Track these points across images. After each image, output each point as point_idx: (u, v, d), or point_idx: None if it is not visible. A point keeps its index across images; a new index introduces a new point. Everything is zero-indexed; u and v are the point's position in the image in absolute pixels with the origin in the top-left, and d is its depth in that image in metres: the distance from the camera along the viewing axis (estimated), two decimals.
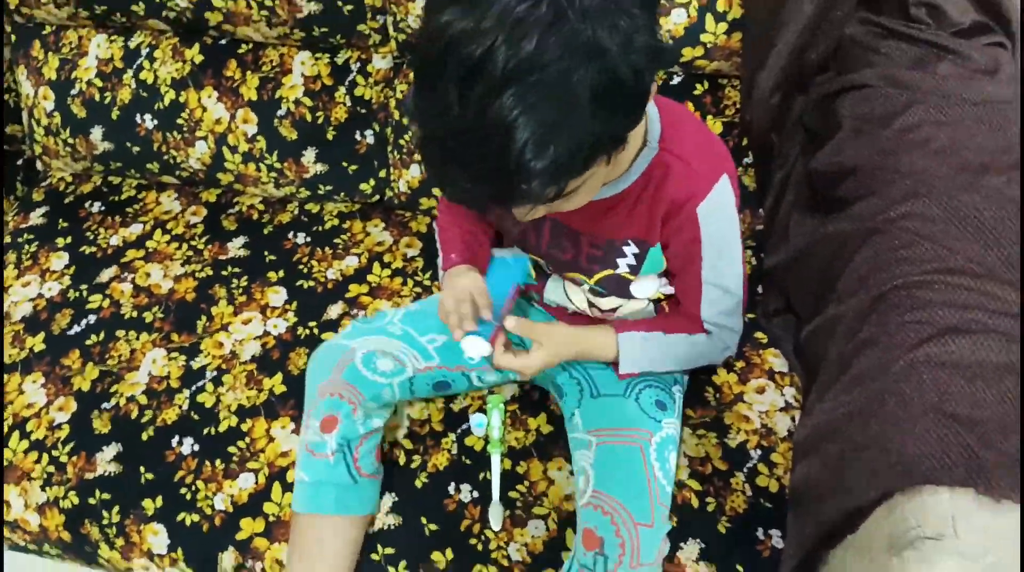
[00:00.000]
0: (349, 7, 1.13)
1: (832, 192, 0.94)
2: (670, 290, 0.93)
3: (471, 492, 0.96)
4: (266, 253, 1.22)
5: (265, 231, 1.26)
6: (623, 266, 0.88)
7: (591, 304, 0.96)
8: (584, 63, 0.59)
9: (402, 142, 1.21)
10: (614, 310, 0.96)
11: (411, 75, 1.17)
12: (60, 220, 1.30)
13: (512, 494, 0.96)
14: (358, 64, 1.20)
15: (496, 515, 0.94)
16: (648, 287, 0.91)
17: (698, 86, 1.13)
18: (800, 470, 0.88)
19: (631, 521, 0.83)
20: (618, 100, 0.62)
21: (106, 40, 1.26)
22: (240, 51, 1.23)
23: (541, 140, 0.60)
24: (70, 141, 1.30)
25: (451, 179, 0.66)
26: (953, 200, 0.80)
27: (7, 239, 1.28)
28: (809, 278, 0.96)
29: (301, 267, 1.20)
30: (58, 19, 1.26)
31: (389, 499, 0.96)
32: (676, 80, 1.13)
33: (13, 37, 1.30)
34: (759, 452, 0.97)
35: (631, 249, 0.87)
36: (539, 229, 0.90)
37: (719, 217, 0.83)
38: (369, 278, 1.18)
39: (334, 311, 1.14)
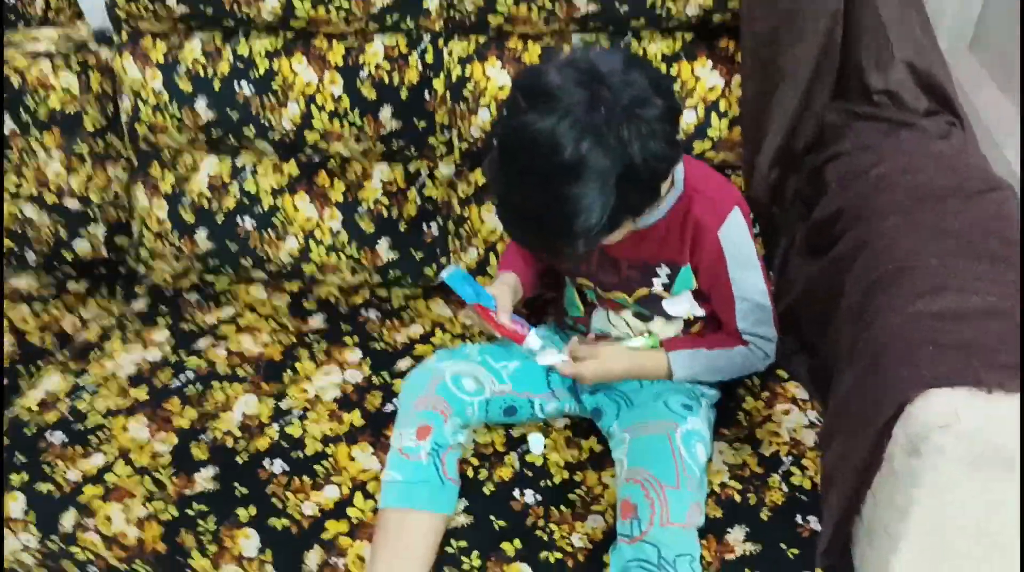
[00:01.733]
0: (423, 123, 1.41)
1: (826, 235, 1.14)
2: (701, 312, 1.11)
3: (535, 496, 1.07)
4: (342, 324, 1.40)
5: (341, 309, 1.45)
6: (657, 285, 1.07)
7: (631, 328, 1.13)
8: (616, 160, 0.83)
9: (462, 231, 1.43)
10: (650, 333, 1.13)
11: (485, 162, 1.43)
12: (161, 305, 1.49)
13: (571, 496, 1.07)
14: (427, 170, 1.46)
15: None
16: (680, 306, 1.09)
17: None
18: (827, 452, 1.00)
19: (658, 484, 0.95)
20: (636, 184, 0.86)
21: (216, 161, 1.53)
22: (330, 165, 1.49)
23: (586, 215, 0.83)
24: (176, 242, 1.53)
25: (518, 236, 0.93)
26: (923, 215, 1.00)
27: (112, 321, 1.46)
28: (815, 308, 1.13)
29: (374, 333, 1.38)
30: (178, 144, 1.54)
31: (461, 504, 1.07)
32: None
33: (135, 161, 1.57)
34: (791, 458, 1.09)
35: (664, 270, 1.06)
36: (588, 258, 1.10)
37: (737, 239, 1.03)
38: (433, 340, 1.35)
39: (404, 365, 1.30)
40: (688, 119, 1.30)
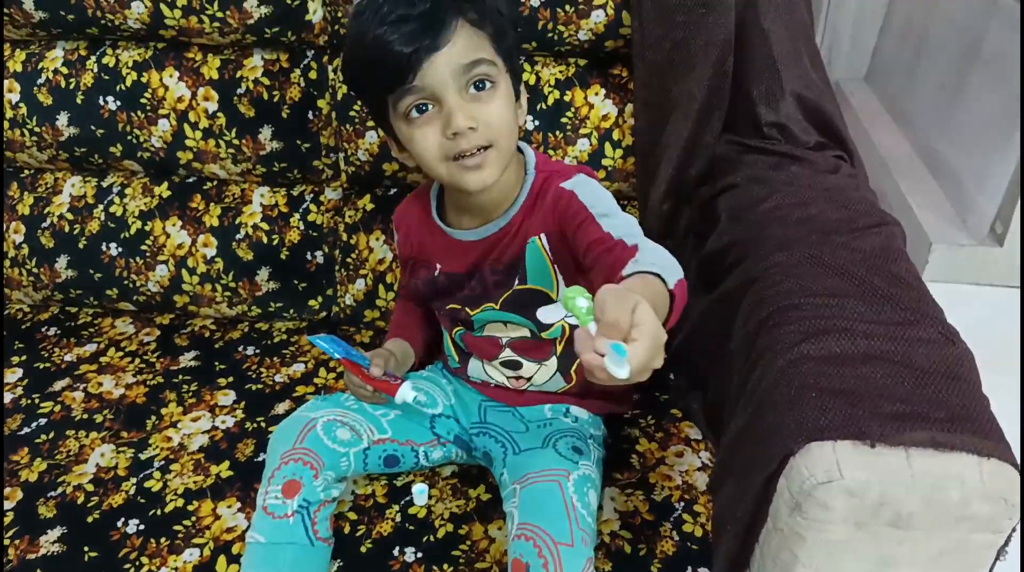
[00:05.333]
0: (307, 145, 1.33)
1: (718, 268, 1.11)
2: (574, 321, 1.04)
3: (415, 553, 1.00)
4: (216, 363, 1.30)
5: (216, 346, 1.34)
6: (516, 281, 1.00)
7: (505, 377, 1.08)
8: None
9: (349, 260, 1.35)
10: (528, 379, 1.08)
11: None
12: (16, 342, 1.36)
13: (455, 552, 1.00)
14: (311, 195, 1.37)
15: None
16: (553, 314, 1.03)
17: None
18: (716, 498, 0.97)
19: (552, 541, 0.89)
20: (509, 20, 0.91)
21: (80, 181, 1.41)
22: (205, 187, 1.39)
23: None
24: (34, 270, 1.40)
25: (377, 44, 0.86)
26: (811, 250, 0.98)
27: None
28: (707, 342, 1.11)
29: (250, 373, 1.28)
30: (38, 162, 1.41)
31: (334, 565, 0.99)
32: None
33: None
34: (682, 504, 1.05)
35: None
36: (455, 282, 1.05)
37: (586, 186, 0.94)
38: (315, 380, 1.27)
39: (282, 408, 1.21)
40: (582, 147, 1.26)
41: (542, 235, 0.97)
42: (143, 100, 1.32)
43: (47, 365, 1.30)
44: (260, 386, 1.25)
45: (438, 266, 1.06)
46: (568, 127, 1.25)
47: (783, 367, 0.84)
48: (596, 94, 1.25)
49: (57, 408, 1.22)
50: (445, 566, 0.98)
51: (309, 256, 1.36)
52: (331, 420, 1.02)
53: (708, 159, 1.23)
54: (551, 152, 1.26)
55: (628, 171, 1.27)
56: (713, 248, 1.14)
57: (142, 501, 1.07)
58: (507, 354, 1.06)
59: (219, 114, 1.31)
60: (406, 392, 0.99)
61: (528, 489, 0.96)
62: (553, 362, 1.06)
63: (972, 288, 1.28)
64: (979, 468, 0.73)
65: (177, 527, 1.04)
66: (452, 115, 0.88)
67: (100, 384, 1.26)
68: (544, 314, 1.02)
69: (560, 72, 1.26)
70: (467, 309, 1.05)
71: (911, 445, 0.74)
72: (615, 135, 1.25)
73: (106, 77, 1.32)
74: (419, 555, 1.00)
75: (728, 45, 1.17)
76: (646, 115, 1.22)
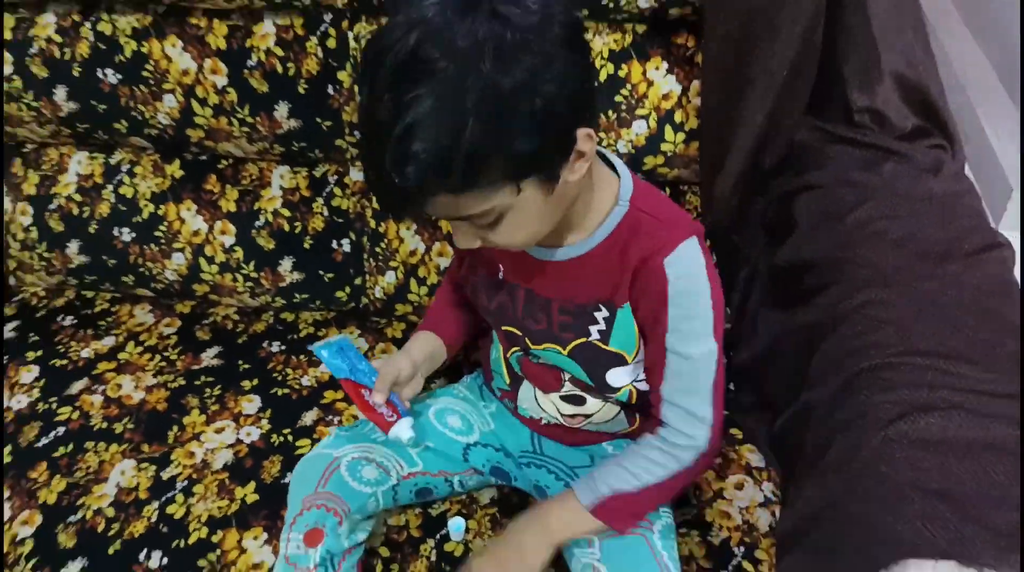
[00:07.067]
0: (328, 123, 1.19)
1: (795, 286, 0.98)
2: (645, 386, 0.93)
3: None
4: (240, 362, 1.22)
5: (239, 341, 1.26)
6: (594, 333, 0.87)
7: (561, 413, 0.96)
8: (467, 73, 0.64)
9: (378, 250, 1.23)
10: (587, 416, 0.96)
11: None
12: (31, 334, 1.29)
13: None
14: (335, 177, 1.25)
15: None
16: (622, 377, 0.91)
17: None
18: (785, 564, 0.87)
19: None
20: (507, 120, 0.66)
21: (87, 157, 1.30)
22: (220, 166, 1.27)
23: (422, 130, 0.64)
24: (46, 255, 1.31)
25: (368, 175, 0.73)
26: (911, 287, 0.84)
27: None
28: (780, 371, 0.99)
29: (275, 376, 1.20)
30: (40, 137, 1.30)
31: None
32: None
33: None
34: (742, 549, 0.96)
35: (601, 313, 0.86)
36: (514, 299, 0.91)
37: (687, 274, 0.81)
38: None
39: (309, 418, 1.13)
40: (638, 130, 1.10)
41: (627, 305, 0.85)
42: (145, 73, 1.18)
43: (64, 362, 1.23)
44: (286, 391, 1.17)
45: (501, 268, 0.93)
46: (623, 107, 1.09)
47: (878, 449, 0.72)
48: (657, 68, 1.08)
49: (75, 414, 1.15)
50: None
51: (335, 245, 1.25)
52: (356, 458, 0.94)
53: (786, 145, 1.07)
54: (602, 135, 1.10)
55: (691, 157, 1.11)
56: (789, 259, 1.00)
57: (164, 530, 1.01)
58: (569, 388, 0.94)
59: (229, 89, 1.18)
60: (401, 430, 0.89)
61: (611, 542, 0.87)
62: (615, 407, 0.95)
63: None
64: None
65: (201, 561, 0.98)
66: (453, 234, 0.78)
67: (119, 385, 1.19)
68: (613, 377, 0.89)
69: (615, 41, 1.08)
70: (528, 341, 0.92)
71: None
72: (677, 117, 1.09)
73: (103, 46, 1.19)
74: None
75: (818, 13, 0.98)
76: (716, 94, 1.06)
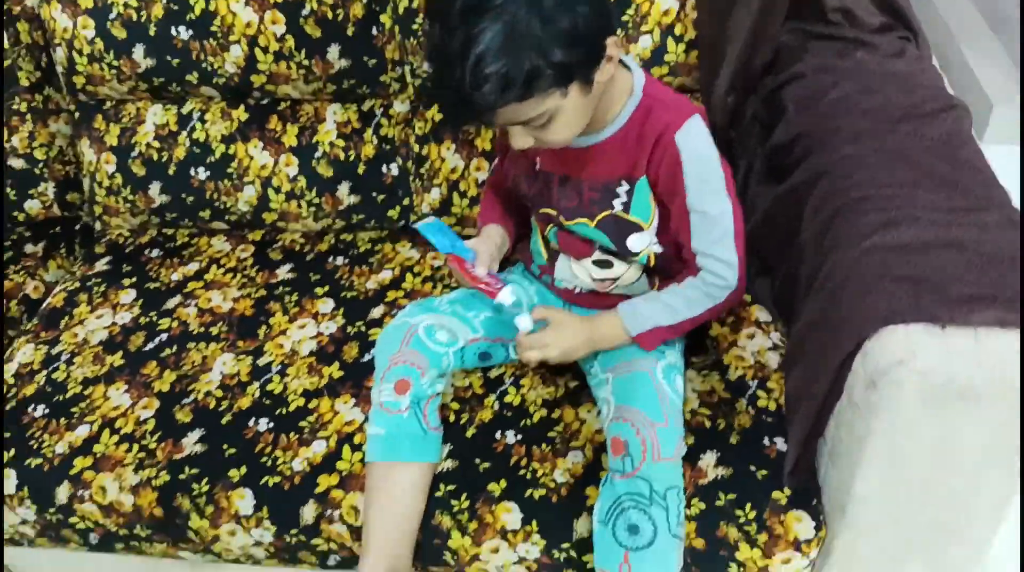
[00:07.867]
0: (373, 61, 1.37)
1: (786, 160, 1.15)
2: (658, 248, 1.11)
3: (516, 436, 1.12)
4: (311, 274, 1.40)
5: (308, 258, 1.44)
6: (617, 205, 1.06)
7: (593, 278, 1.15)
8: (523, 8, 0.84)
9: (423, 171, 1.42)
10: (614, 280, 1.14)
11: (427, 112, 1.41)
12: (124, 265, 1.47)
13: (551, 434, 1.12)
14: (381, 109, 1.43)
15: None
16: (640, 241, 1.09)
17: None
18: (790, 378, 1.05)
19: (648, 422, 0.99)
20: (553, 39, 0.85)
21: (161, 109, 1.48)
22: (280, 108, 1.45)
23: (488, 55, 0.83)
24: (130, 198, 1.50)
25: (439, 99, 0.95)
26: (880, 141, 1.02)
27: (76, 285, 1.44)
28: (776, 231, 1.16)
29: (343, 282, 1.38)
30: (119, 94, 1.48)
31: (445, 449, 1.11)
32: None
33: (77, 114, 1.51)
34: (756, 381, 1.14)
35: (623, 188, 1.05)
36: (549, 184, 1.10)
37: (696, 145, 1.00)
38: (403, 285, 1.36)
39: (377, 312, 1.32)
40: (644, 44, 1.28)
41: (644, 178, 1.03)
42: (214, 28, 1.36)
43: (157, 285, 1.42)
44: (354, 293, 1.35)
45: (538, 161, 1.11)
46: (629, 24, 1.27)
47: (856, 257, 0.91)
48: None
49: (175, 324, 1.34)
50: (544, 446, 1.10)
51: (384, 169, 1.43)
52: (430, 324, 1.12)
53: (773, 49, 1.24)
54: None
55: (691, 65, 1.29)
56: (780, 140, 1.18)
57: (267, 403, 1.20)
58: (598, 255, 1.12)
59: (287, 36, 1.35)
60: (505, 296, 1.06)
61: (621, 378, 1.06)
62: (638, 269, 1.13)
63: None
64: None
65: (302, 423, 1.17)
66: (510, 137, 0.97)
67: (209, 299, 1.37)
68: (632, 242, 1.07)
69: None
70: (562, 218, 1.10)
71: (979, 325, 0.80)
72: (677, 29, 1.27)
73: (175, 7, 1.36)
74: (519, 437, 1.12)
75: None
76: (708, 7, 1.24)
